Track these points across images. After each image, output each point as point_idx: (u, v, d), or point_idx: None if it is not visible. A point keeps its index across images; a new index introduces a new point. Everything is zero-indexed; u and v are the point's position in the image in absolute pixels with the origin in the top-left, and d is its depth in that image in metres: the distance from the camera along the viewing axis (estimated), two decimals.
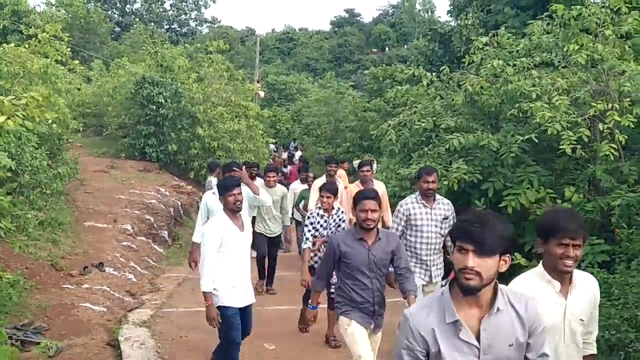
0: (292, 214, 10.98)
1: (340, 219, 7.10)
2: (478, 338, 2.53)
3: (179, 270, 11.20)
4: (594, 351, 3.38)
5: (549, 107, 8.44)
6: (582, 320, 3.17)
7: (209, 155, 18.42)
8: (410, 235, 6.40)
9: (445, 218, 6.51)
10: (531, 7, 18.26)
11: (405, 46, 42.52)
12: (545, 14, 11.04)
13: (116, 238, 11.48)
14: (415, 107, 11.49)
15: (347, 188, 9.29)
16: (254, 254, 8.96)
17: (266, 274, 9.65)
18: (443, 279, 6.77)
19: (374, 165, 15.82)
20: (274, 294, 9.43)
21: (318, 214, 7.08)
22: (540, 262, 3.20)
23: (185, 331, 7.74)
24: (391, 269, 5.15)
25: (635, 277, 6.61)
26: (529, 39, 10.83)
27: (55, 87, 12.10)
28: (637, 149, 9.07)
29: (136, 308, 8.69)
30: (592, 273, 7.84)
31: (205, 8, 61.84)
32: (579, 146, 8.23)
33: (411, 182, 9.76)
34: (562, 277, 3.10)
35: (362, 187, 8.26)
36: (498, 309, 2.55)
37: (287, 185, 12.67)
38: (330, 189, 7.12)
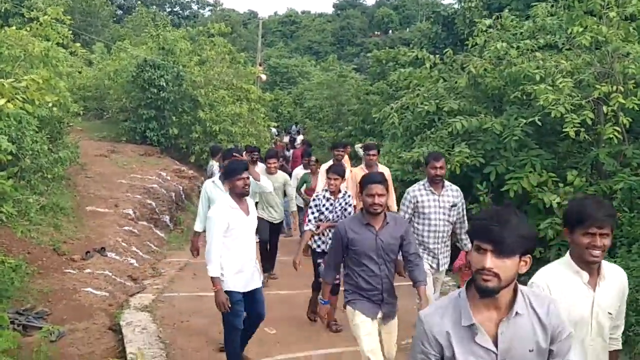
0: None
1: (346, 203, 7.01)
2: (496, 342, 2.41)
3: (181, 255, 11.20)
4: (619, 346, 3.25)
5: (553, 90, 8.41)
6: (610, 314, 3.05)
7: (211, 139, 18.39)
8: (418, 224, 6.24)
9: (454, 205, 6.34)
10: None
11: (408, 29, 42.31)
12: None
13: (118, 223, 11.49)
14: (418, 90, 11.45)
15: (351, 172, 9.22)
16: (257, 239, 8.94)
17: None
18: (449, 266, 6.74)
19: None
20: (275, 278, 9.43)
21: (324, 196, 6.97)
22: (567, 252, 3.09)
23: (186, 316, 7.75)
24: (400, 258, 5.03)
25: (635, 261, 6.62)
26: (533, 21, 10.78)
27: (57, 70, 12.05)
28: None
29: (138, 293, 8.72)
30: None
31: None
32: (582, 129, 8.21)
33: (413, 166, 9.74)
34: (590, 267, 2.99)
35: (367, 171, 8.21)
36: (517, 313, 2.42)
37: (289, 171, 12.65)
38: (338, 171, 7.05)
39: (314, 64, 47.20)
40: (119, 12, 49.66)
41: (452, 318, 2.43)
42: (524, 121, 8.76)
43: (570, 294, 2.93)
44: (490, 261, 2.32)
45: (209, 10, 61.17)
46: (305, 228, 7.01)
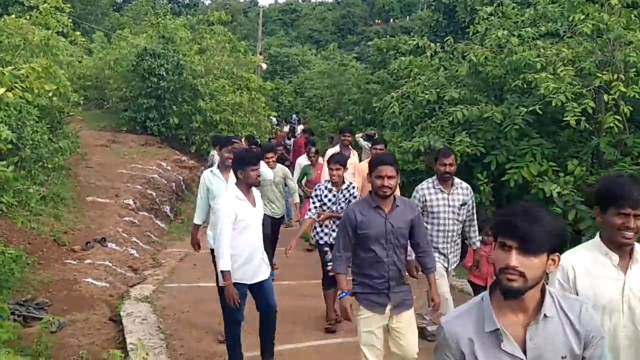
0: None
1: (350, 195, 6.80)
2: (524, 349, 2.21)
3: (181, 245, 11.21)
4: None
5: (554, 78, 8.41)
6: None
7: (211, 129, 18.37)
8: (427, 223, 5.93)
9: (464, 204, 6.18)
10: None
11: (409, 17, 42.16)
12: None
13: (118, 213, 11.52)
14: (419, 78, 11.46)
15: (356, 166, 9.15)
16: None
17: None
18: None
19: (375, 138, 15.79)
20: (276, 268, 9.43)
21: (326, 187, 6.80)
22: (598, 233, 2.93)
23: (187, 306, 7.77)
24: (412, 257, 4.90)
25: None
26: (534, 9, 10.78)
27: (56, 59, 12.04)
28: None
29: (138, 283, 8.74)
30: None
31: None
32: (583, 118, 8.22)
33: (413, 156, 9.73)
34: (621, 249, 2.84)
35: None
36: (546, 315, 2.23)
37: (289, 160, 12.62)
38: (339, 160, 6.87)
39: (314, 53, 47.10)
40: (119, 0, 49.43)
41: (475, 324, 2.26)
42: (525, 110, 8.76)
43: (598, 277, 2.81)
44: (515, 259, 2.15)
45: (209, 0, 61.03)
46: (306, 216, 6.88)
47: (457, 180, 6.24)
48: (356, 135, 13.65)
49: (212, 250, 6.39)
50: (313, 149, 10.76)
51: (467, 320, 2.27)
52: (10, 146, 7.68)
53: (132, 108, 19.10)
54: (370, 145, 14.15)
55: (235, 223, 5.42)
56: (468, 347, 2.24)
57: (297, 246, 7.54)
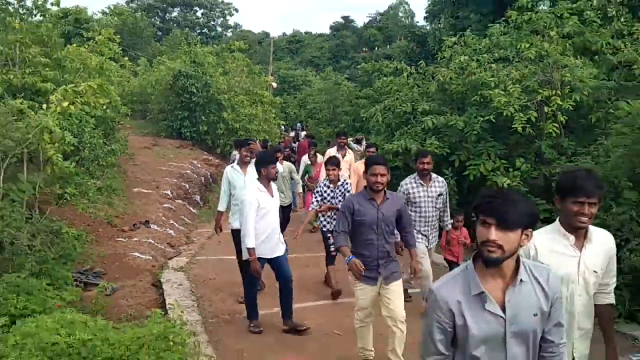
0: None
1: (345, 189, 6.78)
2: (503, 309, 2.17)
3: (209, 227, 11.20)
4: (612, 301, 2.98)
5: (505, 94, 8.43)
6: (596, 272, 2.83)
7: (232, 135, 18.38)
8: (411, 211, 5.93)
9: (440, 194, 6.16)
10: (491, 14, 18.12)
11: (389, 46, 42.11)
12: (503, 18, 10.97)
13: (159, 201, 11.54)
14: (398, 94, 11.47)
15: (350, 165, 9.13)
16: None
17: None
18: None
19: (364, 142, 15.76)
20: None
21: (325, 185, 6.82)
22: (558, 218, 2.86)
23: (213, 274, 7.79)
24: (398, 239, 4.86)
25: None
26: (489, 39, 10.79)
27: (109, 80, 12.04)
28: (575, 127, 9.05)
29: (175, 256, 8.75)
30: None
31: (230, 16, 61.17)
32: (528, 125, 8.24)
33: (393, 155, 9.73)
34: (577, 232, 2.78)
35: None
36: (521, 281, 2.19)
37: (296, 159, 12.61)
38: (334, 162, 6.89)
39: (314, 74, 46.95)
40: (159, 33, 49.29)
41: (462, 288, 2.20)
42: (482, 119, 8.78)
43: (558, 254, 2.75)
44: (494, 234, 2.11)
45: (230, 31, 60.75)
46: (310, 208, 6.94)
47: (434, 175, 6.23)
48: (348, 140, 13.64)
49: (232, 231, 6.39)
50: (312, 151, 10.78)
51: (455, 285, 2.22)
52: (72, 148, 7.68)
53: (169, 118, 19.14)
54: (358, 148, 14.16)
55: (257, 210, 5.42)
56: (457, 308, 2.18)
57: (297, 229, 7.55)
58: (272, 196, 5.65)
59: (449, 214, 6.42)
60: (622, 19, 10.15)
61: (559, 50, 8.87)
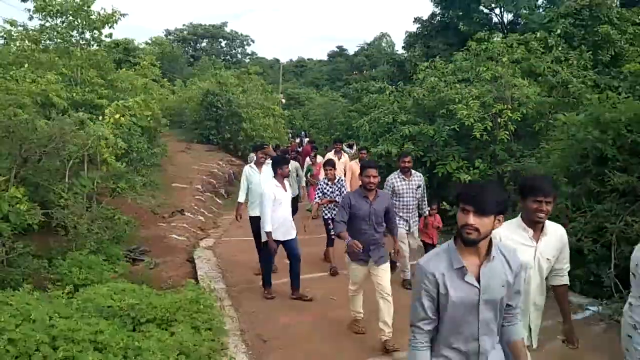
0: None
1: (341, 186, 6.73)
2: (478, 280, 2.12)
3: (231, 214, 11.14)
4: (566, 282, 2.92)
5: (466, 108, 8.41)
6: (549, 260, 2.77)
7: (250, 140, 18.31)
8: (395, 200, 5.88)
9: (419, 186, 6.09)
10: (456, 44, 18.12)
11: (375, 70, 41.98)
12: (465, 47, 10.94)
13: (192, 194, 11.52)
14: (381, 108, 11.43)
15: (345, 165, 9.08)
16: None
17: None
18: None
19: (354, 146, 15.71)
20: None
21: (325, 183, 6.75)
22: (519, 214, 2.79)
23: (235, 252, 7.78)
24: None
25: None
26: (454, 64, 10.76)
27: (152, 97, 12.01)
28: (522, 135, 9.03)
29: (204, 238, 8.76)
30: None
31: (247, 45, 60.81)
32: (485, 133, 8.23)
33: (378, 157, 9.71)
34: (535, 226, 2.71)
35: (359, 165, 8.06)
36: (493, 257, 2.15)
37: (301, 161, 12.57)
38: (330, 164, 6.86)
39: (315, 93, 46.84)
40: (191, 59, 49.05)
41: (445, 263, 2.14)
42: (448, 128, 8.78)
43: (518, 243, 2.67)
44: (472, 219, 2.05)
45: (248, 58, 60.52)
46: (313, 203, 6.86)
47: (413, 171, 6.16)
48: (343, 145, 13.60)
49: (250, 218, 6.37)
50: (313, 154, 10.85)
51: (440, 260, 2.16)
52: (123, 151, 7.67)
53: (200, 127, 19.06)
54: (350, 151, 14.11)
55: (274, 202, 5.40)
56: (441, 279, 2.12)
57: (304, 217, 7.56)
58: (286, 190, 5.64)
59: (426, 202, 6.36)
60: (560, 48, 10.15)
61: (510, 72, 8.87)
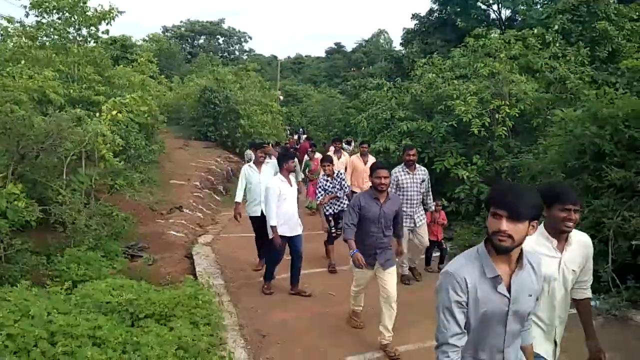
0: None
1: (341, 179, 6.59)
2: (508, 290, 1.98)
3: (230, 211, 11.11)
4: (589, 295, 2.72)
5: (464, 104, 8.42)
6: (574, 271, 2.58)
7: (248, 137, 18.30)
8: (399, 195, 5.72)
9: (423, 181, 5.93)
10: (454, 40, 18.11)
11: (372, 66, 41.93)
12: (462, 44, 10.93)
13: (190, 190, 11.47)
14: (379, 104, 11.42)
15: (345, 159, 9.03)
16: None
17: None
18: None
19: (352, 143, 15.70)
20: None
21: (324, 179, 6.64)
22: (542, 223, 2.57)
23: (233, 248, 7.76)
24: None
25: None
26: (452, 60, 10.76)
27: (149, 93, 11.97)
28: (520, 131, 9.05)
29: (203, 234, 8.72)
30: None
31: (245, 42, 60.70)
32: (482, 129, 8.23)
33: (376, 153, 9.72)
34: (559, 236, 2.51)
35: (361, 159, 7.91)
36: (525, 266, 2.00)
37: (299, 157, 12.59)
38: (328, 159, 6.80)
39: (313, 89, 46.75)
40: (189, 56, 48.89)
41: (477, 270, 1.97)
42: (446, 124, 8.77)
43: (541, 254, 2.42)
44: (505, 225, 1.88)
45: (245, 55, 60.29)
46: (317, 200, 6.74)
47: (418, 165, 6.04)
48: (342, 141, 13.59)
49: (250, 217, 6.35)
50: (309, 150, 10.86)
51: (472, 268, 1.98)
52: (120, 148, 7.64)
53: (197, 124, 18.98)
54: (349, 148, 14.11)
55: (279, 197, 5.35)
56: (474, 287, 1.96)
57: (303, 212, 7.52)
58: (291, 185, 5.57)
59: (431, 197, 6.23)
60: (557, 44, 10.17)
61: (507, 69, 8.88)
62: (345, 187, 6.69)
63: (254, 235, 6.58)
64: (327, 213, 6.77)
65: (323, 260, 6.99)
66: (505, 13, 22.79)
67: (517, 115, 8.22)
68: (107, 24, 10.17)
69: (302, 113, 34.71)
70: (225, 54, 58.38)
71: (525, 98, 8.41)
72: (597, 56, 11.31)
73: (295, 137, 26.48)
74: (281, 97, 33.08)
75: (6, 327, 3.17)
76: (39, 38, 10.37)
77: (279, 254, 5.56)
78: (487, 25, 13.78)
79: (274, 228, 5.32)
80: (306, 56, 68.37)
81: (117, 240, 6.56)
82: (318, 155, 9.83)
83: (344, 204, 6.65)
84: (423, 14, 23.43)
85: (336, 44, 65.07)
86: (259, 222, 6.21)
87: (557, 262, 2.54)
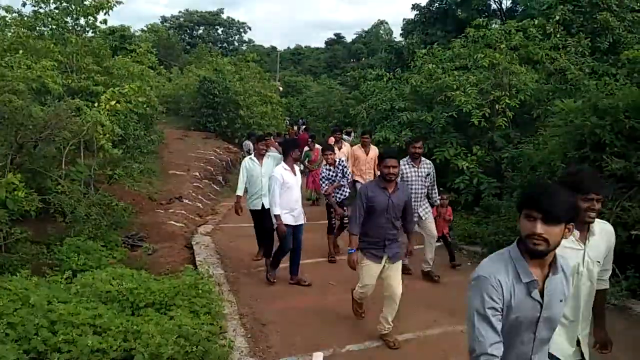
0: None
1: (343, 167, 6.52)
2: (542, 295, 1.87)
3: (229, 201, 11.10)
4: (607, 286, 2.63)
5: (464, 95, 8.39)
6: (599, 262, 2.46)
7: (247, 128, 18.26)
8: None
9: (428, 174, 5.77)
10: (454, 31, 18.01)
11: (372, 57, 41.67)
12: (462, 34, 10.87)
13: (189, 181, 11.46)
14: (379, 95, 11.37)
15: (346, 148, 8.96)
16: None
17: None
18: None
19: (352, 134, 15.67)
20: None
21: (327, 168, 6.57)
22: None
23: (233, 238, 7.78)
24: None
25: (515, 202, 6.58)
26: (452, 51, 10.70)
27: (148, 84, 11.89)
28: (520, 121, 9.02)
29: (203, 224, 8.73)
30: (488, 200, 7.87)
31: (244, 33, 60.46)
32: (483, 120, 8.20)
33: (376, 144, 9.69)
34: (582, 226, 2.38)
35: (363, 149, 7.79)
36: (558, 270, 1.89)
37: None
38: (329, 148, 6.77)
39: (312, 80, 46.54)
40: (188, 47, 48.60)
41: (511, 274, 1.85)
42: (446, 115, 8.74)
43: (564, 247, 2.19)
44: (540, 228, 1.77)
45: (245, 45, 59.95)
46: (322, 191, 6.70)
47: (423, 158, 5.86)
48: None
49: (250, 211, 6.33)
50: (309, 140, 10.83)
51: (507, 272, 1.85)
52: (119, 138, 7.63)
53: (197, 115, 18.90)
54: (349, 138, 14.07)
55: (283, 185, 5.31)
56: (509, 292, 1.83)
57: (304, 202, 7.46)
58: (295, 174, 5.52)
59: (436, 191, 6.12)
60: (558, 35, 10.09)
61: (508, 59, 8.81)
62: (347, 175, 6.67)
63: (253, 225, 6.57)
64: (338, 200, 6.63)
65: (323, 250, 7.00)
66: (506, 3, 22.68)
67: (517, 106, 8.19)
68: (105, 13, 10.10)
69: (301, 104, 34.56)
70: (225, 44, 58.09)
71: (526, 89, 8.38)
72: (598, 47, 11.23)
73: (295, 127, 26.43)
74: (281, 88, 32.98)
75: (7, 316, 3.18)
76: (37, 28, 10.29)
77: (287, 244, 5.49)
78: (488, 16, 13.71)
79: (277, 217, 5.28)
80: (306, 47, 68.02)
81: (116, 230, 6.56)
82: (318, 146, 9.80)
83: (347, 192, 6.69)
84: (423, 4, 23.28)
85: (336, 34, 64.77)
86: (260, 216, 6.19)
87: (582, 254, 2.42)
